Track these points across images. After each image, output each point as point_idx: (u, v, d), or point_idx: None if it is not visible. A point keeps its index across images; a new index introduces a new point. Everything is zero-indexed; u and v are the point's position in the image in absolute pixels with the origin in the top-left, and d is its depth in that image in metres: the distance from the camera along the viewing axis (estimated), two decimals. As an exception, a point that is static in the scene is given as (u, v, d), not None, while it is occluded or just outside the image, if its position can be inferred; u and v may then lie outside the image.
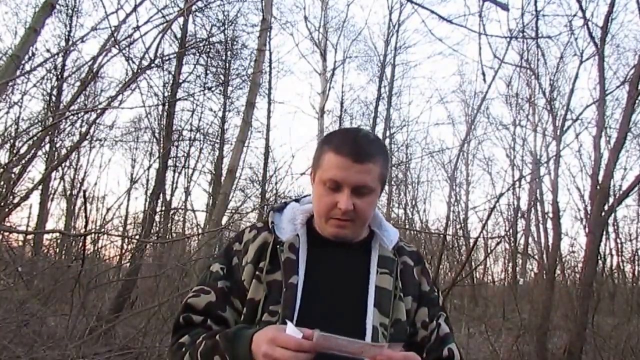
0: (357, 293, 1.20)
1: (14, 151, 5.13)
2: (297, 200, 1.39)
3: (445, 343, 1.28)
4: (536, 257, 13.10)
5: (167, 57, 7.95)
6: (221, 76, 10.87)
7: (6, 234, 5.00)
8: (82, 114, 6.03)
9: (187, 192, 12.12)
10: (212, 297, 1.24)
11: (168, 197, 10.91)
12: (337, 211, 1.19)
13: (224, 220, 6.32)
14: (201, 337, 1.15)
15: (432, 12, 3.83)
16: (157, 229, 9.82)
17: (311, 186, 1.30)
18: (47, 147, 7.17)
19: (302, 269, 1.20)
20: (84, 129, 7.34)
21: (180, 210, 11.58)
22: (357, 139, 1.20)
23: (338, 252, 1.25)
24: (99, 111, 4.67)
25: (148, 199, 10.09)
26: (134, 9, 3.44)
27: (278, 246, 1.22)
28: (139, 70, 4.07)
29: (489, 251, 11.52)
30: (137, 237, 7.78)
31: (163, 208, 10.06)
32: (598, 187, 7.04)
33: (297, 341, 0.94)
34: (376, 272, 1.24)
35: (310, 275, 1.20)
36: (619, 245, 12.11)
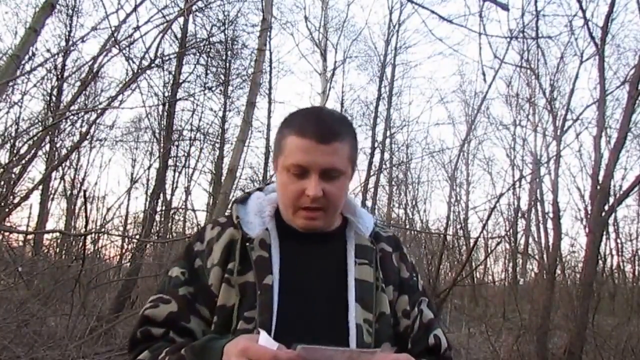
0: (336, 289, 1.10)
1: (14, 151, 5.13)
2: (260, 189, 1.25)
3: (430, 330, 1.17)
4: (536, 257, 13.10)
5: (167, 57, 7.96)
6: (221, 76, 10.86)
7: (6, 234, 5.00)
8: (83, 114, 6.04)
9: (188, 191, 12.10)
10: (173, 306, 1.09)
11: (168, 197, 10.89)
12: (305, 199, 1.07)
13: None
14: (164, 352, 1.02)
15: (433, 12, 3.83)
16: (158, 228, 9.84)
17: (275, 175, 1.18)
18: (48, 147, 7.17)
19: (276, 267, 1.08)
20: (84, 129, 7.35)
21: (180, 210, 11.59)
22: (321, 118, 1.10)
23: (312, 244, 1.14)
24: (99, 111, 4.67)
25: (148, 199, 10.10)
26: (134, 9, 3.44)
27: (247, 244, 1.09)
28: (139, 70, 4.08)
29: (489, 251, 11.53)
30: (138, 236, 7.79)
31: (163, 208, 10.07)
32: (598, 187, 7.04)
33: (272, 354, 0.83)
34: (355, 264, 1.13)
35: (286, 274, 1.08)
36: (619, 245, 12.13)
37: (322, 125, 1.08)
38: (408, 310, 1.16)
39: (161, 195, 9.75)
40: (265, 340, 0.86)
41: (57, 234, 7.57)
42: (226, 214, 1.24)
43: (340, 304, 1.08)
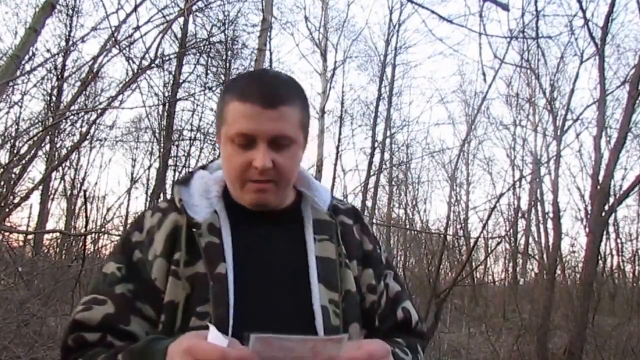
0: (297, 270, 0.99)
1: (15, 151, 5.13)
2: (204, 168, 1.12)
3: (397, 303, 1.09)
4: (536, 257, 13.10)
5: (167, 57, 7.96)
6: (221, 76, 10.86)
7: (6, 234, 5.00)
8: (83, 114, 6.04)
9: (188, 191, 12.09)
10: (110, 307, 0.95)
11: (168, 197, 10.90)
12: (253, 172, 0.95)
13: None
14: (98, 359, 0.90)
15: (433, 12, 3.83)
16: (158, 228, 9.80)
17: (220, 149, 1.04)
18: (48, 147, 7.17)
19: (229, 254, 0.96)
20: (84, 129, 7.36)
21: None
22: (265, 80, 0.98)
23: (266, 224, 1.02)
24: (99, 111, 4.67)
25: (148, 199, 10.10)
26: (134, 9, 3.44)
27: (194, 229, 0.97)
28: (139, 70, 4.08)
29: (489, 251, 11.52)
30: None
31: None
32: (598, 187, 7.04)
33: (220, 351, 0.72)
34: (314, 241, 1.02)
35: (240, 260, 0.97)
36: (619, 245, 12.12)
37: (266, 88, 0.96)
38: (374, 285, 1.06)
39: (161, 195, 9.74)
40: (215, 336, 0.75)
41: (57, 234, 7.57)
42: (168, 198, 1.09)
43: (303, 287, 0.98)
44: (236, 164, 0.96)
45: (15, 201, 4.52)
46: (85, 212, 8.95)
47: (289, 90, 0.99)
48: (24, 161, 4.27)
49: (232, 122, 0.96)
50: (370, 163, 12.79)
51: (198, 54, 9.73)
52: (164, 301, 0.94)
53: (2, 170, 3.91)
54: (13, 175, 4.29)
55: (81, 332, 0.95)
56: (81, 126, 7.55)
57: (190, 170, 1.10)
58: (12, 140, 5.59)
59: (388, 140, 14.01)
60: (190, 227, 0.97)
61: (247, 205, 1.00)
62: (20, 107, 7.31)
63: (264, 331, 0.71)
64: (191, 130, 11.32)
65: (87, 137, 8.61)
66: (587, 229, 8.24)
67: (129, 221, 12.46)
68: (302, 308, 0.96)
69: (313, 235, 1.03)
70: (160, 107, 9.60)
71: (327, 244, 1.03)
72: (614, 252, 12.04)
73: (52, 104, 8.60)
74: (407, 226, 13.86)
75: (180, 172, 11.60)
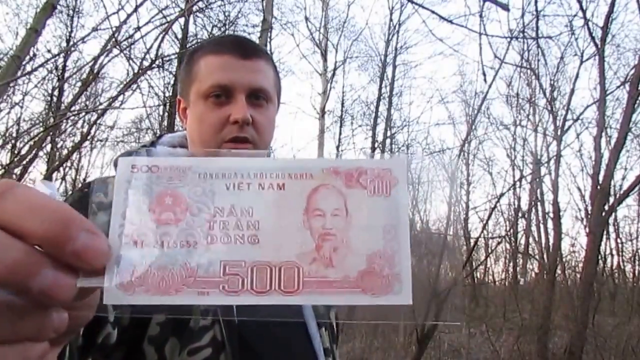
0: None
1: (15, 152, 5.14)
2: (153, 144, 0.96)
3: None
4: (537, 257, 13.09)
5: (168, 58, 7.96)
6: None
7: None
8: (84, 114, 6.05)
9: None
10: None
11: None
12: (230, 129, 0.85)
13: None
14: None
15: (433, 12, 3.83)
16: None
17: (181, 124, 0.96)
18: (49, 147, 7.18)
19: None
20: (85, 130, 7.37)
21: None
22: (237, 37, 0.94)
23: None
24: (100, 112, 4.68)
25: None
26: (135, 10, 3.44)
27: None
28: (140, 71, 4.08)
29: (489, 251, 11.52)
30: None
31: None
32: (598, 187, 7.05)
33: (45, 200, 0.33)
34: None
35: None
36: (620, 245, 12.11)
37: (242, 41, 0.91)
38: None
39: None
40: (43, 187, 0.35)
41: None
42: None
43: None
44: (210, 120, 0.86)
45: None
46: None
47: (263, 49, 0.94)
48: (25, 162, 4.27)
49: (205, 76, 0.87)
50: (371, 163, 12.77)
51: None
52: None
53: (3, 170, 3.91)
54: (14, 176, 4.29)
55: None
56: (82, 127, 7.57)
57: (134, 147, 0.92)
58: (13, 141, 5.60)
59: (388, 140, 14.01)
60: None
61: None
62: (21, 107, 7.33)
63: (263, 331, 0.64)
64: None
65: (88, 138, 8.63)
66: (587, 229, 8.24)
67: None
68: None
69: None
70: (161, 108, 9.61)
71: None
72: (614, 252, 12.02)
73: (52, 105, 8.60)
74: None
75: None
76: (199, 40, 9.63)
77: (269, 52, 0.98)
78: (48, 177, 7.61)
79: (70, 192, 0.85)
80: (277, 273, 0.30)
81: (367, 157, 0.35)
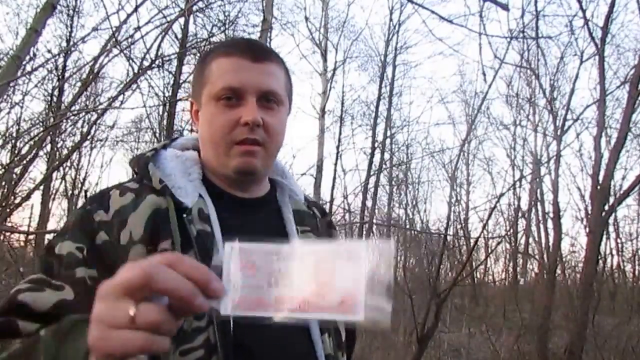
0: None
1: (16, 151, 5.13)
2: (166, 147, 0.97)
3: None
4: (537, 257, 13.10)
5: (167, 58, 7.95)
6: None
7: (8, 234, 5.01)
8: (83, 114, 6.05)
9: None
10: (68, 294, 0.77)
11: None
12: (240, 131, 0.86)
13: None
14: (16, 343, 0.71)
15: (433, 12, 3.84)
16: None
17: (194, 126, 0.99)
18: (49, 147, 7.17)
19: (220, 243, 0.83)
20: (85, 129, 7.37)
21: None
22: (251, 40, 0.95)
23: (248, 213, 0.94)
24: (100, 111, 4.67)
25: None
26: (135, 10, 3.44)
27: (185, 215, 0.83)
28: (140, 71, 4.08)
29: (489, 251, 11.51)
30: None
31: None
32: (598, 187, 7.05)
33: (196, 267, 0.54)
34: (296, 232, 0.95)
35: None
36: (620, 245, 12.12)
37: (253, 44, 0.91)
38: None
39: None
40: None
41: (58, 234, 7.57)
42: (134, 177, 0.94)
43: None
44: (221, 122, 0.87)
45: (17, 201, 4.52)
46: (86, 212, 8.92)
47: (275, 52, 0.94)
48: (25, 161, 4.27)
49: (217, 78, 0.88)
50: (370, 163, 12.79)
51: (198, 54, 9.74)
52: None
53: (3, 170, 3.92)
54: (14, 176, 4.29)
55: (18, 317, 0.74)
56: (82, 126, 7.57)
57: (152, 148, 0.96)
58: (13, 141, 5.60)
59: (388, 140, 14.01)
60: (178, 212, 0.83)
61: (232, 174, 0.90)
62: (21, 107, 7.34)
63: (262, 333, 0.67)
64: (191, 130, 11.33)
65: (88, 138, 8.64)
66: (587, 229, 8.25)
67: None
68: None
69: (295, 226, 0.96)
70: (161, 108, 9.62)
71: (309, 236, 0.98)
72: (614, 252, 12.04)
73: (53, 105, 8.61)
74: (407, 226, 13.86)
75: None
76: (199, 40, 9.64)
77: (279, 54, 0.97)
78: (48, 176, 7.60)
79: (76, 207, 0.88)
80: (300, 302, 0.55)
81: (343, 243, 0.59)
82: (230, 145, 0.88)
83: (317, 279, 0.54)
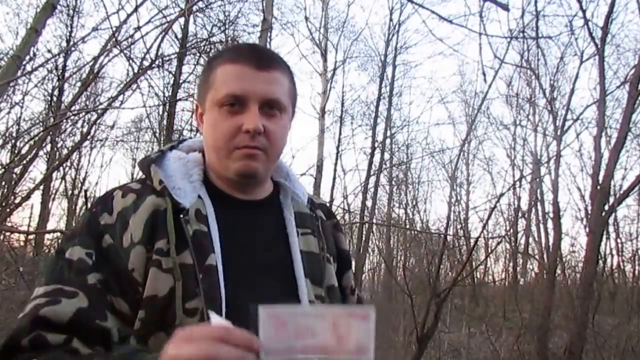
0: (282, 264, 0.94)
1: (15, 151, 5.14)
2: (173, 148, 1.00)
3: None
4: (537, 257, 13.11)
5: (167, 58, 7.95)
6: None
7: (7, 234, 5.01)
8: (83, 114, 6.05)
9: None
10: (82, 300, 0.80)
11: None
12: (242, 137, 0.88)
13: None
14: None
15: (433, 12, 3.84)
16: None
17: (199, 128, 0.98)
18: (49, 147, 7.18)
19: (217, 243, 0.87)
20: (85, 129, 7.37)
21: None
22: (257, 46, 0.98)
23: (248, 214, 0.96)
24: (100, 111, 4.67)
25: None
26: (135, 10, 3.45)
27: (182, 215, 0.86)
28: (140, 71, 4.08)
29: (489, 251, 11.52)
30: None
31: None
32: (598, 187, 7.05)
33: (224, 328, 0.67)
34: (297, 234, 0.97)
35: (227, 251, 0.88)
36: (620, 245, 12.11)
37: (259, 52, 0.92)
38: (354, 288, 1.10)
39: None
40: (217, 322, 0.70)
41: (58, 234, 7.58)
42: (138, 178, 0.97)
43: (289, 281, 0.93)
44: (224, 128, 0.89)
45: (16, 201, 4.52)
46: (86, 212, 8.92)
47: (280, 58, 0.96)
48: (25, 161, 4.27)
49: (221, 84, 0.90)
50: (370, 163, 12.79)
51: (198, 54, 9.73)
52: (144, 295, 0.82)
53: (3, 170, 3.92)
54: (14, 175, 4.29)
55: (44, 331, 0.78)
56: (82, 126, 7.57)
57: (159, 149, 0.99)
58: (13, 141, 5.61)
59: (388, 140, 14.01)
60: (175, 213, 0.86)
61: (234, 176, 0.92)
62: (21, 107, 7.34)
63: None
64: (191, 130, 11.32)
65: (88, 137, 8.64)
66: (587, 229, 8.25)
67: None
68: (290, 303, 0.91)
69: (296, 227, 0.98)
70: (161, 107, 9.62)
71: (309, 238, 1.00)
72: (614, 252, 12.03)
73: (53, 104, 8.60)
74: (407, 226, 13.86)
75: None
76: (199, 40, 9.64)
77: (285, 61, 0.99)
78: (48, 176, 7.61)
79: (83, 209, 0.92)
80: (323, 349, 0.66)
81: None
82: (232, 150, 0.90)
83: (337, 333, 0.66)
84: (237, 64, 0.90)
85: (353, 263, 1.13)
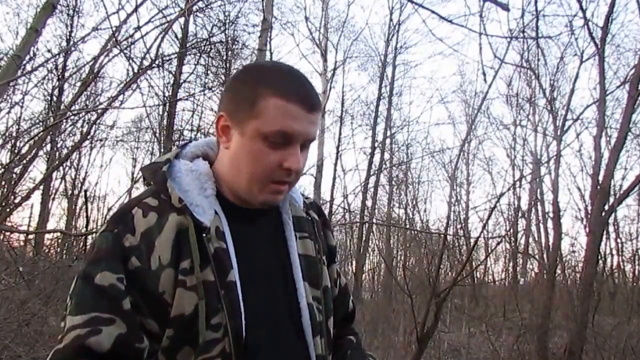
0: (283, 268, 0.98)
1: (15, 151, 5.14)
2: (178, 156, 1.00)
3: (347, 295, 1.19)
4: (537, 256, 13.10)
5: (167, 57, 7.96)
6: (222, 76, 10.87)
7: (7, 233, 5.01)
8: (83, 114, 6.06)
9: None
10: (121, 327, 0.83)
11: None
12: (280, 173, 0.91)
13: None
14: None
15: (433, 12, 3.83)
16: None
17: (217, 138, 0.97)
18: (49, 147, 7.19)
19: (234, 259, 0.91)
20: (85, 129, 7.38)
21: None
22: (305, 82, 0.94)
23: (252, 223, 0.99)
24: (100, 111, 4.68)
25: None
26: (135, 9, 3.45)
27: (205, 235, 0.88)
28: (140, 71, 4.08)
29: (489, 251, 11.52)
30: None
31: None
32: (598, 187, 7.05)
33: None
34: (295, 238, 1.01)
35: (242, 264, 0.91)
36: (620, 245, 12.10)
37: (307, 91, 0.92)
38: (336, 279, 1.15)
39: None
40: None
41: (58, 233, 7.58)
42: (150, 192, 0.96)
43: (289, 285, 0.97)
44: (266, 163, 0.90)
45: (16, 201, 4.52)
46: (86, 212, 8.96)
47: (318, 95, 0.98)
48: (24, 161, 4.27)
49: (272, 119, 0.89)
50: (370, 163, 12.81)
51: (198, 54, 9.74)
52: (171, 315, 0.86)
53: (3, 170, 3.92)
54: (14, 175, 4.30)
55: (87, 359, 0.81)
56: (82, 126, 7.57)
57: (161, 159, 0.98)
58: (13, 140, 5.61)
59: (388, 140, 14.03)
60: (197, 231, 0.88)
61: (257, 204, 0.95)
62: (21, 107, 7.31)
63: (269, 345, 0.79)
64: (191, 130, 11.33)
65: (88, 137, 8.64)
66: (587, 229, 8.25)
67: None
68: (290, 306, 0.96)
69: (295, 232, 1.01)
70: (161, 107, 9.62)
71: (307, 242, 1.03)
72: (614, 252, 12.02)
73: (53, 104, 8.60)
74: (407, 226, 13.86)
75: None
76: (199, 40, 9.64)
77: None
78: (48, 176, 7.61)
79: (101, 227, 0.91)
80: None
81: None
82: (267, 183, 0.93)
83: None
84: (292, 103, 0.89)
85: (338, 256, 1.19)
